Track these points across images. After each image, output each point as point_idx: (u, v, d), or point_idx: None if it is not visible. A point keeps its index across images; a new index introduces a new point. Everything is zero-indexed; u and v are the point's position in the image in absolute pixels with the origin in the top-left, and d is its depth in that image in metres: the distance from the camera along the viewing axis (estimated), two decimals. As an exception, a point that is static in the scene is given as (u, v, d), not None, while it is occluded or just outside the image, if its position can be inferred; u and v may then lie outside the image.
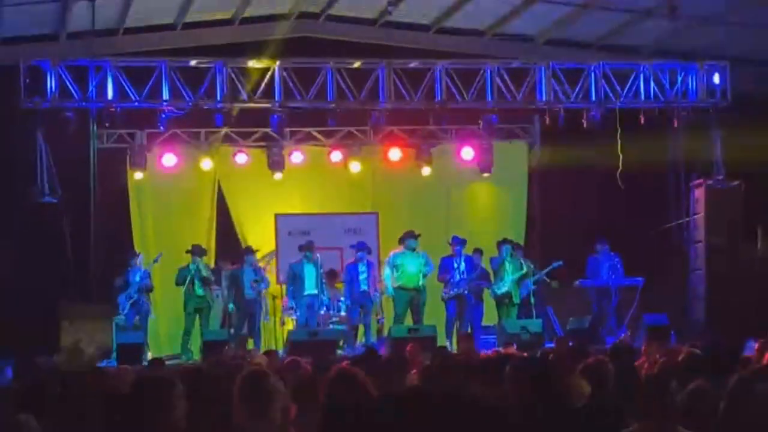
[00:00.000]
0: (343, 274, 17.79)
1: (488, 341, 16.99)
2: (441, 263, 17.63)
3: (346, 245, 18.31)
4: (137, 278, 16.98)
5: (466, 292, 17.58)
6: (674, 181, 18.96)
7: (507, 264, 17.77)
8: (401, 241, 17.58)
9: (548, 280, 18.24)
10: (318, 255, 17.60)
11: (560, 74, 18.02)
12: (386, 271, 17.62)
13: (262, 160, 18.87)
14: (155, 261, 17.19)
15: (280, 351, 16.09)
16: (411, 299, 17.39)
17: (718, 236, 18.20)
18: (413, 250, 17.44)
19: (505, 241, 18.04)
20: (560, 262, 17.94)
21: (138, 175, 18.43)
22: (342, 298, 17.67)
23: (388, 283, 17.54)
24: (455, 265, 17.59)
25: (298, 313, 17.37)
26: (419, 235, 17.53)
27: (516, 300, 17.73)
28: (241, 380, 5.45)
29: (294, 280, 17.47)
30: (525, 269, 17.76)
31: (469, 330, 17.40)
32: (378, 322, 18.06)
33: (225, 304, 17.65)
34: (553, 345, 14.22)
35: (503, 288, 17.72)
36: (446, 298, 17.68)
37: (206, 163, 18.64)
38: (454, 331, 17.57)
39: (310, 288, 17.30)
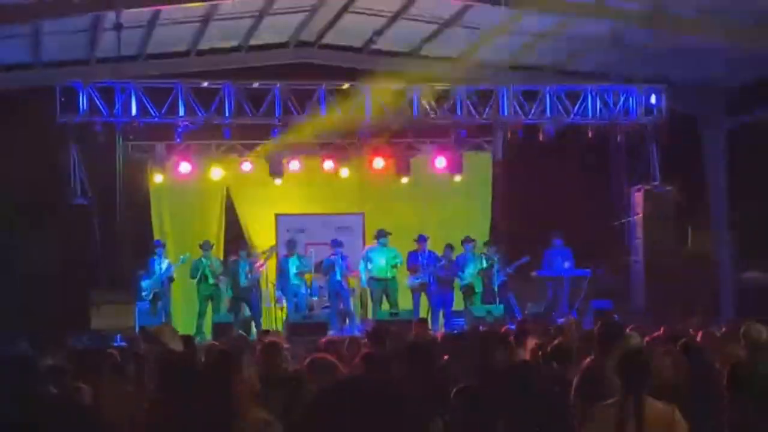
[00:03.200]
0: (322, 267, 17.64)
1: (458, 323, 17.09)
2: (408, 256, 17.70)
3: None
4: (163, 268, 16.99)
5: (429, 280, 17.59)
6: (617, 186, 18.99)
7: (469, 260, 17.86)
8: (376, 237, 17.74)
9: (512, 271, 18.01)
10: (312, 250, 17.70)
11: (520, 95, 18.04)
12: (361, 264, 17.64)
13: (264, 167, 18.64)
14: (182, 261, 17.12)
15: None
16: (383, 288, 17.38)
17: (655, 233, 18.25)
18: (385, 245, 17.52)
19: (467, 239, 18.09)
20: (528, 258, 17.96)
21: (157, 181, 18.36)
22: (327, 289, 17.64)
23: (363, 275, 17.58)
24: (420, 259, 17.67)
25: (285, 301, 17.37)
26: (390, 233, 17.61)
27: (478, 289, 17.73)
28: None
29: (281, 273, 17.54)
30: (486, 264, 17.73)
31: (441, 315, 17.48)
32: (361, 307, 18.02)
33: (225, 291, 17.57)
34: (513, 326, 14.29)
35: (467, 280, 17.82)
36: (411, 285, 17.74)
37: (216, 172, 18.53)
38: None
39: (293, 279, 17.34)
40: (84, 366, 7.96)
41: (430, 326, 17.09)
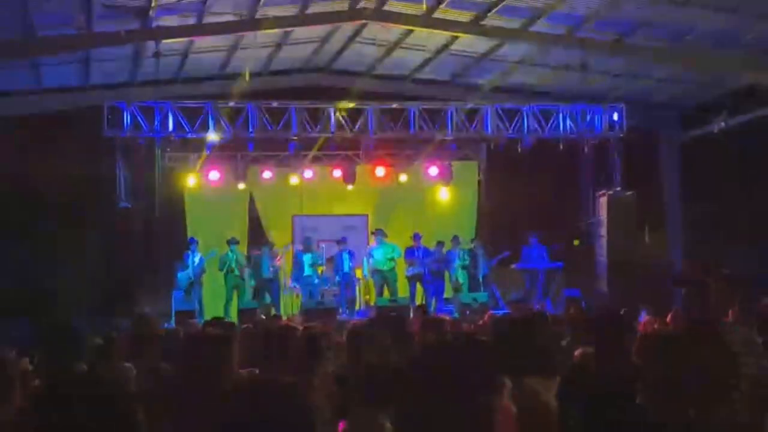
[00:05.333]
0: (335, 261, 17.82)
1: (449, 309, 17.10)
2: (405, 251, 17.91)
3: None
4: (197, 261, 17.14)
5: (423, 271, 17.79)
6: (584, 191, 18.99)
7: (455, 256, 18.07)
8: (374, 236, 18.01)
9: (495, 264, 18.19)
10: (323, 246, 17.80)
11: (501, 113, 18.06)
12: (365, 259, 17.92)
13: (282, 175, 18.96)
14: (211, 255, 17.28)
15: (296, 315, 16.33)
16: (384, 278, 17.60)
17: (617, 232, 18.25)
18: (382, 242, 17.75)
19: (455, 239, 18.30)
20: (508, 253, 18.09)
21: (191, 186, 18.47)
22: (337, 279, 17.75)
23: (365, 268, 17.88)
24: (416, 253, 17.91)
25: (301, 290, 17.49)
26: (386, 234, 17.83)
27: (462, 280, 17.96)
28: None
29: (296, 266, 17.74)
30: (469, 259, 17.97)
31: (434, 302, 17.58)
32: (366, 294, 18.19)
33: (248, 280, 17.71)
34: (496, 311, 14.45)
35: (454, 275, 18.09)
36: (408, 276, 17.95)
37: (241, 179, 18.69)
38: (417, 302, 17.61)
39: (308, 271, 17.56)
40: (127, 346, 8.05)
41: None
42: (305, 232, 18.83)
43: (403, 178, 19.38)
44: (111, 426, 2.97)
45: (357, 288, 18.02)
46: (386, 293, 17.54)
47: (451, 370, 2.49)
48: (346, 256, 17.70)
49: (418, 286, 18.07)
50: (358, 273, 18.03)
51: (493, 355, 3.47)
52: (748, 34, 15.55)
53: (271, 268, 17.34)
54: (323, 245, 17.94)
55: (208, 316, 16.08)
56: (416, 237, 18.03)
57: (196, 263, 17.17)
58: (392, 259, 17.68)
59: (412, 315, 13.07)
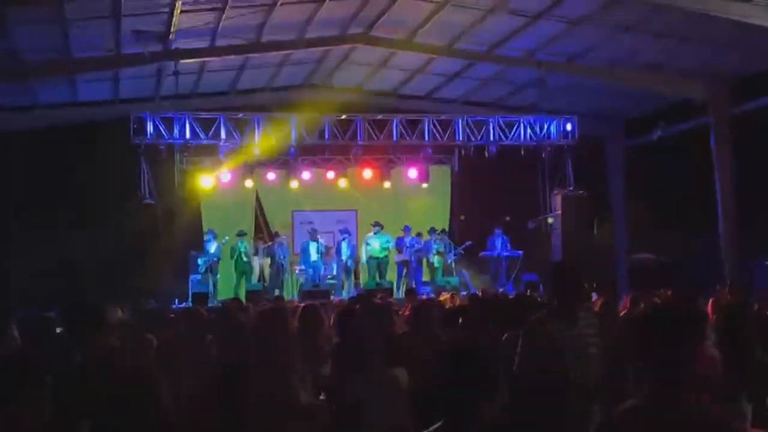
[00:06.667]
0: (334, 250, 18.28)
1: (426, 290, 17.52)
2: (396, 241, 18.42)
3: (336, 231, 18.86)
4: (213, 250, 17.59)
5: (411, 258, 18.31)
6: (542, 190, 19.17)
7: (432, 245, 18.53)
8: (372, 227, 18.30)
9: (463, 252, 18.60)
10: (320, 237, 18.17)
11: (471, 123, 18.35)
12: (363, 247, 18.36)
13: (284, 176, 19.13)
14: (224, 243, 17.72)
15: (295, 297, 16.80)
16: (377, 264, 18.08)
17: (570, 225, 18.48)
18: (379, 233, 18.19)
19: (432, 229, 18.75)
20: (470, 242, 18.54)
21: (205, 186, 18.42)
22: (334, 265, 18.18)
23: (363, 255, 18.32)
24: (405, 242, 18.40)
25: (306, 274, 17.92)
26: (383, 226, 18.33)
27: (438, 266, 18.40)
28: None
29: (303, 253, 18.15)
30: (442, 247, 18.40)
31: (414, 285, 17.87)
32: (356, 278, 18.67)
33: (262, 267, 17.97)
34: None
35: (432, 259, 18.54)
36: (398, 261, 18.46)
37: (248, 180, 18.86)
38: (402, 284, 18.21)
39: (315, 257, 17.97)
40: (149, 322, 7.95)
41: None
42: (304, 225, 19.14)
43: (386, 180, 19.56)
44: (131, 391, 3.15)
45: (352, 273, 18.46)
46: (376, 277, 17.91)
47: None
48: (345, 245, 18.11)
49: (405, 271, 18.47)
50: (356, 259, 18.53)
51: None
52: (679, 57, 16.23)
53: (283, 256, 17.76)
54: (320, 237, 18.24)
55: (220, 297, 16.76)
56: (406, 229, 18.54)
57: (213, 251, 17.62)
58: (387, 248, 18.11)
59: (403, 296, 13.62)
